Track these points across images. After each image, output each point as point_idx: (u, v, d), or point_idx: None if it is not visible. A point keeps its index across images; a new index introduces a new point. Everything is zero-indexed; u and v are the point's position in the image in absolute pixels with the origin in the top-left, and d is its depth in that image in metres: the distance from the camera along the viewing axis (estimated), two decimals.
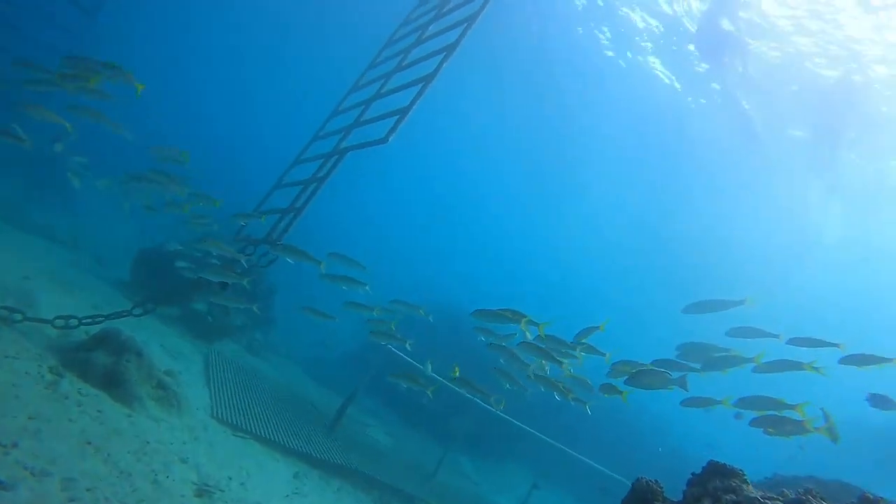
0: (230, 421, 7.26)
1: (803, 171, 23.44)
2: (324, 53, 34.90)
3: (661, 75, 24.38)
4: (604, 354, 7.57)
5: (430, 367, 8.66)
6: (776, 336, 8.04)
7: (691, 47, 21.89)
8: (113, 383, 5.79)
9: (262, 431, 7.58)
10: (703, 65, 22.51)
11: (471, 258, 54.83)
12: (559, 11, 23.27)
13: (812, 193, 24.41)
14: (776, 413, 7.03)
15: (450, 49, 7.08)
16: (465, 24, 7.22)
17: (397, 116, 6.75)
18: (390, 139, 6.66)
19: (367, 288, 8.26)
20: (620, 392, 6.75)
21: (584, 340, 7.57)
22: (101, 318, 6.57)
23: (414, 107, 6.76)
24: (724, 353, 7.76)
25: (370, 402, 14.44)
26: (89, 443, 4.58)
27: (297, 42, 36.88)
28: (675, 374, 6.82)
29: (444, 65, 6.98)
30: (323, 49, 34.52)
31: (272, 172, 9.42)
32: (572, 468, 13.38)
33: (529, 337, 7.42)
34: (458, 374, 7.59)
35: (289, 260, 7.29)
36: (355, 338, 18.52)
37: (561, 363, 7.38)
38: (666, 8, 20.83)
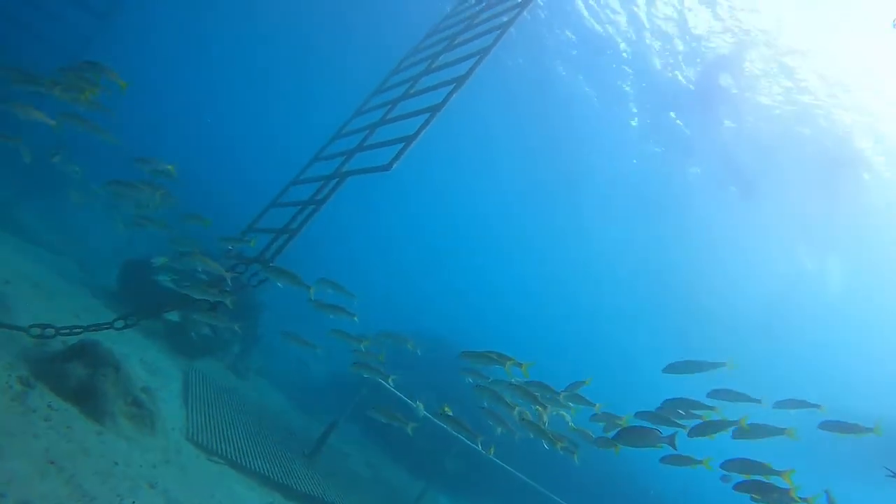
0: (206, 444, 6.98)
1: (798, 229, 23.65)
2: (335, 72, 35.00)
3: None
4: (593, 405, 7.40)
5: (421, 407, 8.41)
6: (758, 401, 7.91)
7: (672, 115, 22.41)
8: (86, 398, 5.54)
9: (239, 458, 7.29)
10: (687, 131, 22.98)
11: (465, 292, 54.61)
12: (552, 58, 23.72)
13: (806, 248, 24.54)
14: (763, 478, 6.82)
15: (460, 81, 7.03)
16: (478, 57, 7.20)
17: (402, 144, 6.66)
18: (394, 167, 6.55)
19: (355, 318, 8.12)
20: (615, 445, 6.53)
21: (576, 392, 7.42)
22: (79, 329, 6.31)
23: (420, 135, 6.67)
24: (707, 411, 7.56)
25: (351, 430, 14.05)
26: (52, 462, 4.32)
27: (315, 57, 36.97)
28: (665, 432, 6.58)
29: (454, 96, 6.92)
30: (334, 67, 34.63)
31: (270, 189, 9.29)
32: None
33: (512, 379, 7.28)
34: (448, 412, 7.37)
35: (278, 284, 7.11)
36: (340, 360, 18.20)
37: (545, 407, 7.23)
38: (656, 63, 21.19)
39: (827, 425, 7.92)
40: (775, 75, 19.24)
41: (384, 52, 14.27)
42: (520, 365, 7.18)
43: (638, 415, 7.58)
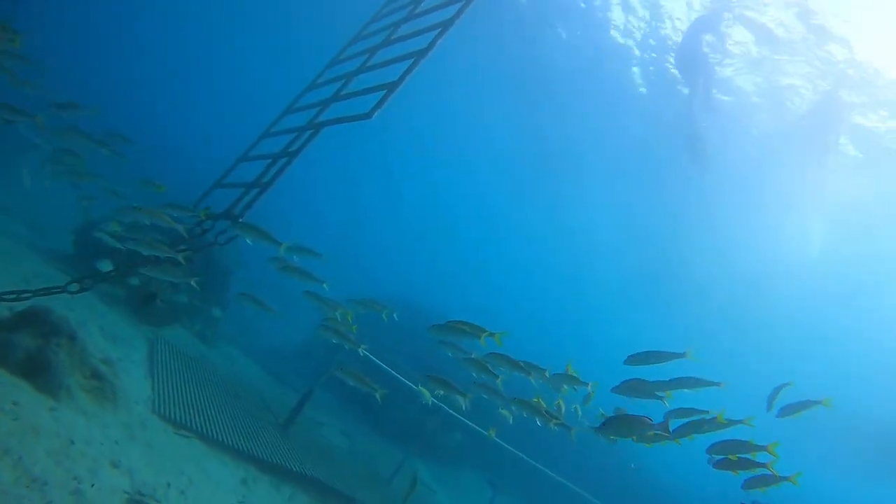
0: (173, 417, 6.48)
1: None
2: (313, 16, 33.35)
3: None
4: (586, 384, 7.13)
5: (427, 394, 7.96)
6: (718, 384, 7.77)
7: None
8: (36, 371, 4.97)
9: (209, 430, 6.82)
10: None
11: (448, 258, 54.14)
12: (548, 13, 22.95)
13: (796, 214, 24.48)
14: (749, 456, 6.64)
15: (447, 24, 6.45)
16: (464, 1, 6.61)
17: (384, 91, 6.10)
18: (375, 115, 6.01)
19: (325, 285, 7.65)
20: (610, 437, 6.01)
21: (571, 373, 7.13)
22: (28, 294, 5.67)
23: (404, 82, 6.12)
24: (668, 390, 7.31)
25: (327, 398, 13.68)
26: None
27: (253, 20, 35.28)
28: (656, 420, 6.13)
29: (440, 40, 6.35)
30: (311, 12, 32.98)
31: (240, 145, 8.61)
32: (533, 478, 13.00)
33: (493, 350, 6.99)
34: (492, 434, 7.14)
35: (247, 240, 6.58)
36: (313, 327, 17.73)
37: (529, 374, 6.95)
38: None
39: (785, 410, 8.07)
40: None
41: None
42: (492, 335, 6.86)
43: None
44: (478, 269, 54.43)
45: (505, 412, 7.10)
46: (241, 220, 6.44)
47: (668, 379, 7.11)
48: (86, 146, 7.54)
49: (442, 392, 7.13)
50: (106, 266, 9.24)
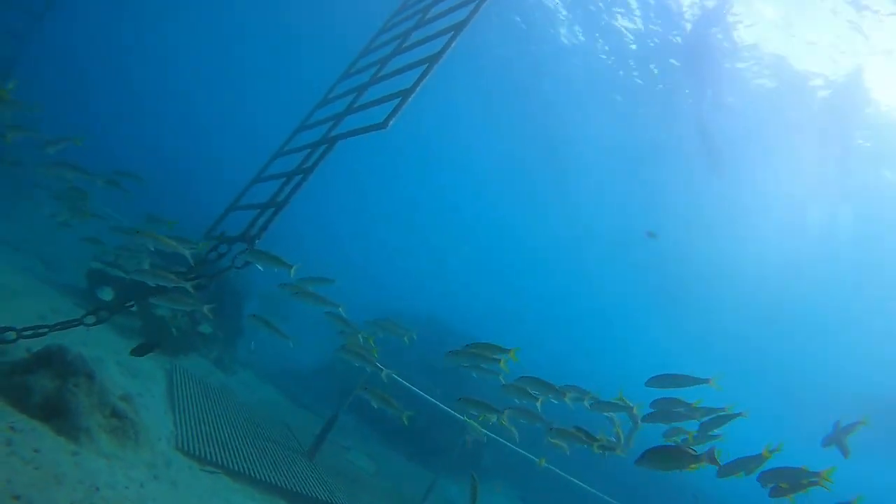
0: (197, 453, 6.21)
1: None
2: (317, 40, 33.24)
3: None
4: (631, 407, 6.92)
5: (477, 427, 7.68)
6: (707, 381, 7.46)
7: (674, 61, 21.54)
8: (56, 413, 4.72)
9: (235, 464, 6.53)
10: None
11: (460, 267, 53.87)
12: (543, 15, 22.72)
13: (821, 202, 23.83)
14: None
15: (459, 27, 6.22)
16: (477, 1, 6.39)
17: (398, 100, 5.86)
18: (390, 124, 5.76)
19: (340, 308, 7.46)
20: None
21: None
22: (44, 330, 5.43)
23: (418, 89, 5.88)
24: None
25: (349, 420, 13.37)
26: (17, 497, 3.53)
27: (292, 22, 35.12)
28: (700, 449, 5.70)
29: (453, 43, 6.12)
30: (315, 31, 32.86)
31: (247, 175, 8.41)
32: (564, 492, 12.61)
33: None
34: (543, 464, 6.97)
35: (259, 266, 6.33)
36: (331, 349, 17.45)
37: (564, 396, 6.89)
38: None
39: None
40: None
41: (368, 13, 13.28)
42: (507, 351, 6.68)
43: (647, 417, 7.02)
44: (491, 276, 54.06)
45: (556, 442, 6.76)
46: (257, 240, 6.20)
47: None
48: (94, 184, 7.49)
49: (476, 412, 6.86)
50: (107, 295, 9.07)
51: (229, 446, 6.86)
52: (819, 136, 20.52)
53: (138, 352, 5.94)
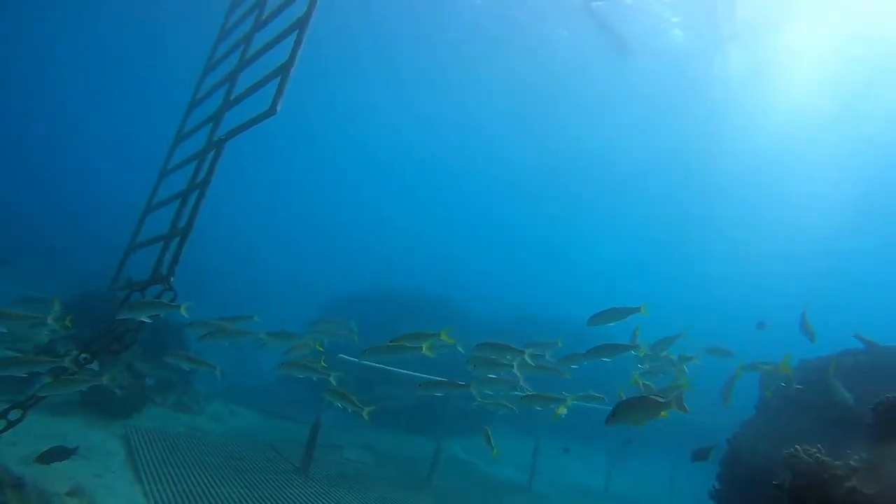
0: None
1: None
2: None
3: None
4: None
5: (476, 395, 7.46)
6: (636, 347, 7.53)
7: None
8: None
9: None
10: None
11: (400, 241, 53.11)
12: None
13: None
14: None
15: None
16: None
17: (278, 78, 5.20)
18: (279, 108, 5.11)
19: (255, 318, 7.25)
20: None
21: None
22: None
23: (296, 59, 5.22)
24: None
25: (333, 416, 12.93)
26: None
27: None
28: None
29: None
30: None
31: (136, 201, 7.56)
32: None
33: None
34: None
35: (144, 319, 5.52)
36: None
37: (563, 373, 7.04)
38: None
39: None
40: None
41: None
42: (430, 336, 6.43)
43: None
44: (433, 233, 53.68)
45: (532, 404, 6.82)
46: (172, 278, 5.51)
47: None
48: None
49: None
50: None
51: (213, 496, 6.31)
52: None
53: (46, 459, 5.18)
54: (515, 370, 6.77)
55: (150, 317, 5.24)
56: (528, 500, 10.08)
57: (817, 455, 3.42)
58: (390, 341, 6.27)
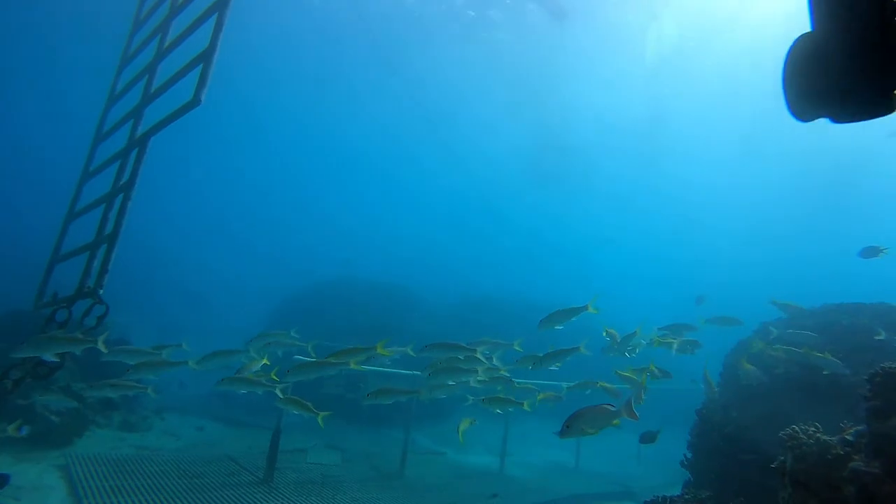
0: None
1: None
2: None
3: None
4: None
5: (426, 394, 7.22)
6: (509, 345, 7.60)
7: None
8: None
9: None
10: None
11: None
12: None
13: None
14: None
15: None
16: None
17: (200, 66, 4.78)
18: (202, 98, 4.69)
19: (183, 346, 6.75)
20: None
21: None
22: None
23: (218, 45, 4.80)
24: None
25: (294, 419, 12.51)
26: None
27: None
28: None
29: None
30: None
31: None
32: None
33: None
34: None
35: (52, 357, 5.01)
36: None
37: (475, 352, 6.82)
38: None
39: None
40: None
41: None
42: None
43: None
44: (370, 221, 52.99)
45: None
46: (100, 290, 5.03)
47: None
48: None
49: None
50: None
51: None
52: None
53: None
54: (472, 383, 6.79)
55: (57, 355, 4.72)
56: (500, 486, 9.96)
57: (817, 435, 3.31)
58: (328, 356, 6.12)
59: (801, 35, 1.14)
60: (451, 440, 13.15)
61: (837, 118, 1.04)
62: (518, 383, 7.56)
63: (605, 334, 7.56)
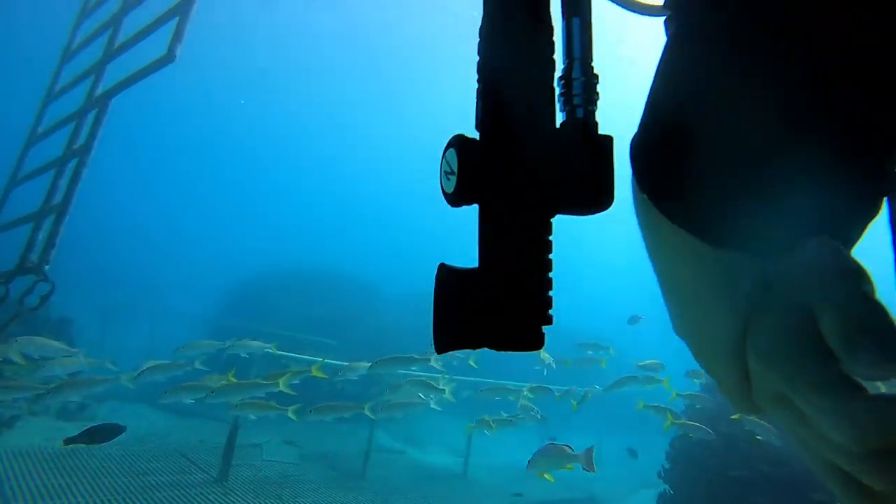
0: None
1: None
2: None
3: None
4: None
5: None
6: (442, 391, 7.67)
7: None
8: None
9: None
10: None
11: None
12: None
13: None
14: None
15: None
16: None
17: (174, 19, 4.23)
18: (177, 54, 4.15)
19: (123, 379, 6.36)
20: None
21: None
22: None
23: None
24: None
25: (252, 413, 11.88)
26: None
27: None
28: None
29: None
30: None
31: None
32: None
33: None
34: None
35: None
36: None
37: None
38: None
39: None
40: None
41: None
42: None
43: None
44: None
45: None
46: (46, 266, 4.43)
47: None
48: None
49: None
50: None
51: None
52: None
53: None
54: (433, 405, 6.97)
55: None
56: (465, 489, 9.65)
57: None
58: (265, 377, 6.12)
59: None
60: (410, 438, 12.79)
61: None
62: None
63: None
